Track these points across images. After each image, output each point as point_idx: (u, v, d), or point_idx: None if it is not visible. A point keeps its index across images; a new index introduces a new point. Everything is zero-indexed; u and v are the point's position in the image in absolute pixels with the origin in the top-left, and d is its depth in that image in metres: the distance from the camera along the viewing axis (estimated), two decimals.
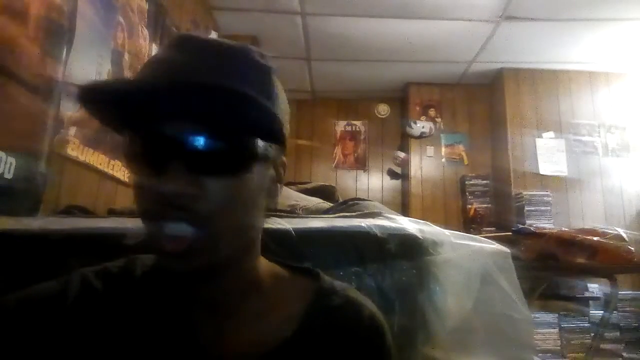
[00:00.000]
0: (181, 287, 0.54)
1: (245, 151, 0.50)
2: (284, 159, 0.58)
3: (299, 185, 1.70)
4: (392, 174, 4.48)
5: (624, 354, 3.14)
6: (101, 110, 0.51)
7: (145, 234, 0.51)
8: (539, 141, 3.76)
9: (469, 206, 3.91)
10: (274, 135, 0.52)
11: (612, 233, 2.28)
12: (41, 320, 0.51)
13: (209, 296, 0.54)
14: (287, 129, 0.57)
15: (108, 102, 0.48)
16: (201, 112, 0.47)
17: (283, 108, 0.56)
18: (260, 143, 0.51)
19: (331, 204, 1.27)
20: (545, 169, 3.70)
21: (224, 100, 0.47)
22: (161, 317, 0.53)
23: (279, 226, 0.80)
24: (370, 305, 0.60)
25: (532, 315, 2.79)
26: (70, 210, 1.09)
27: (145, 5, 1.98)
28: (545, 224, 3.33)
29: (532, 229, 2.58)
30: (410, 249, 0.83)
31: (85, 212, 1.08)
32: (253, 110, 0.48)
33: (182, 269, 0.48)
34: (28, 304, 0.52)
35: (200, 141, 0.48)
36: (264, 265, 0.59)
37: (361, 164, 4.52)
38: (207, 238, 0.48)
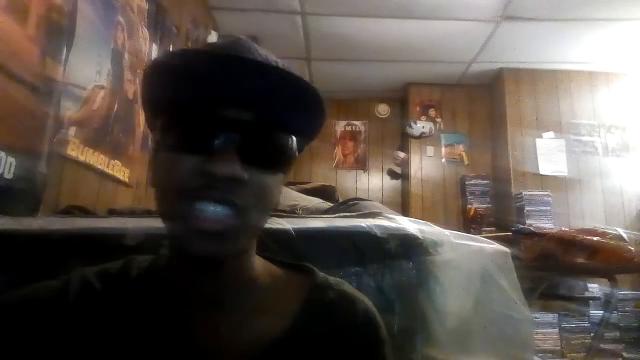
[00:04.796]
0: (178, 286, 0.54)
1: (294, 151, 0.54)
2: None
3: (299, 185, 1.71)
4: (392, 174, 4.48)
5: (624, 354, 3.14)
6: (181, 78, 0.48)
7: (173, 214, 0.50)
8: (539, 141, 3.76)
9: (469, 206, 3.91)
10: (313, 137, 0.56)
11: (612, 233, 2.27)
12: (42, 319, 0.51)
13: (207, 294, 0.54)
14: None
15: (197, 69, 0.48)
16: (281, 103, 0.49)
17: None
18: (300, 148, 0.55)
19: (331, 204, 1.27)
20: (545, 169, 3.70)
21: (304, 98, 0.49)
22: (158, 317, 0.53)
23: (279, 226, 0.80)
24: (364, 299, 0.61)
25: (532, 315, 2.79)
26: (70, 210, 1.09)
27: (145, 5, 1.98)
28: (545, 224, 3.32)
29: (532, 229, 2.57)
30: (410, 249, 0.84)
31: (85, 212, 1.08)
32: (319, 113, 0.52)
33: (212, 251, 0.48)
34: (29, 303, 0.52)
35: (269, 131, 0.50)
36: (259, 262, 0.59)
37: (361, 164, 4.52)
38: (240, 226, 0.48)
